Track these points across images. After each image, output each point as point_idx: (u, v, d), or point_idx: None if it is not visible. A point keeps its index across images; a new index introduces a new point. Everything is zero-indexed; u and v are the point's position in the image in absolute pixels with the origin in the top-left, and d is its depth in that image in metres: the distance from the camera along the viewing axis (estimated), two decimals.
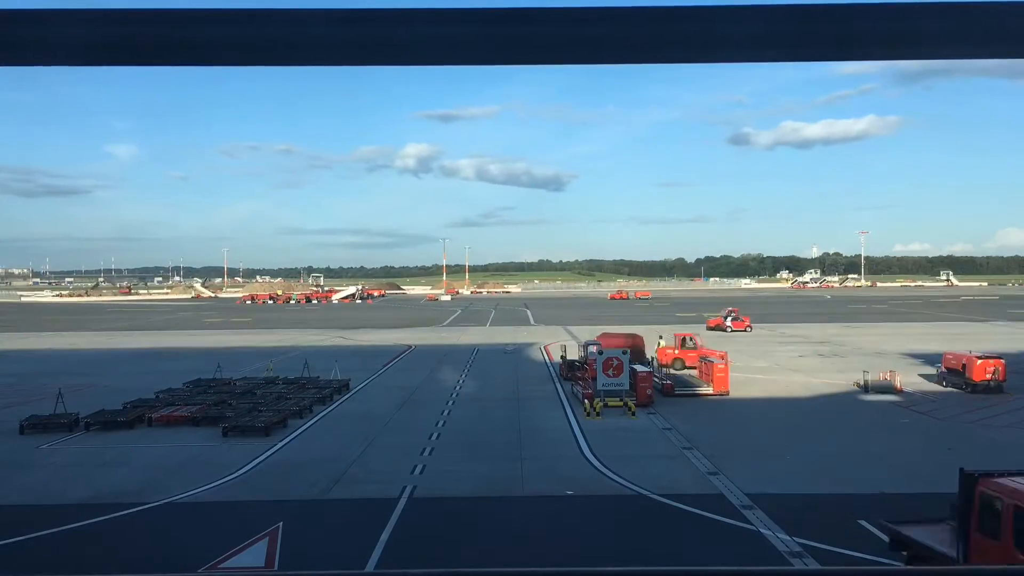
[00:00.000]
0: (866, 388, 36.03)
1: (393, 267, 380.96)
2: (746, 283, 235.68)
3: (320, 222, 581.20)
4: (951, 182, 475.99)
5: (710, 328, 69.81)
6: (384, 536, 17.52)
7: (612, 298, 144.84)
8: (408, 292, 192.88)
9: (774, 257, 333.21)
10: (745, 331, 67.54)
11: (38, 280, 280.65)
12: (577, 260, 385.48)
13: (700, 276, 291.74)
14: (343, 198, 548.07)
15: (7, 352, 58.71)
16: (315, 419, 31.36)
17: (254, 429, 28.05)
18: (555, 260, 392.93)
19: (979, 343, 47.20)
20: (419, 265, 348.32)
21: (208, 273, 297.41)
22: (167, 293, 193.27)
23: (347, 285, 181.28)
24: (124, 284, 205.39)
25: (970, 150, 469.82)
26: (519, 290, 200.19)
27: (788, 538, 17.07)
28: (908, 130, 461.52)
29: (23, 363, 52.02)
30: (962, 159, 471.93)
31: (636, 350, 39.19)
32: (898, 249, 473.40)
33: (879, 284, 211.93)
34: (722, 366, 36.24)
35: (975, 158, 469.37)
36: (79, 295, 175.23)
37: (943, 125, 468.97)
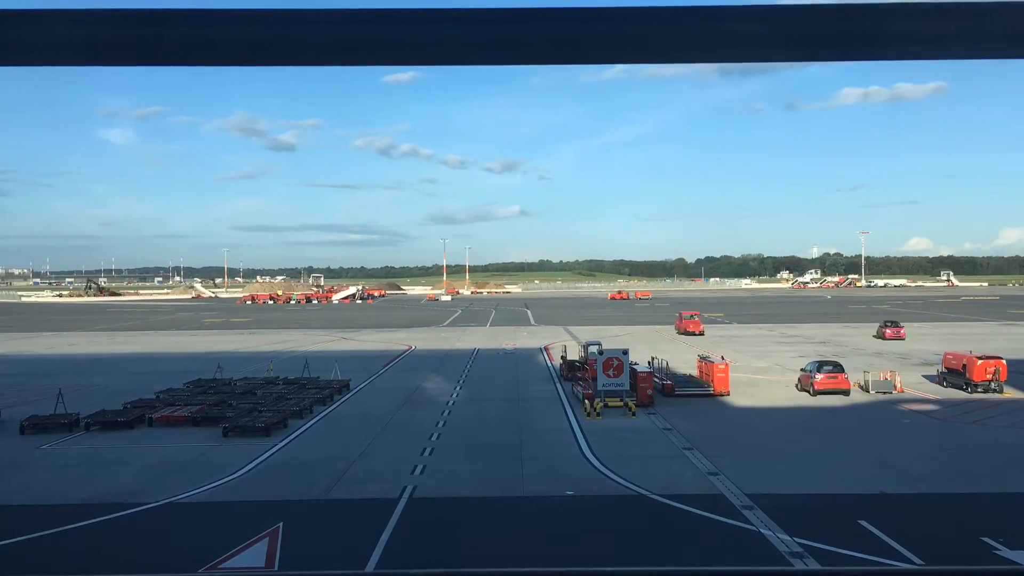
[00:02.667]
0: (866, 388, 36.01)
1: (393, 267, 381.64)
2: (746, 283, 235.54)
3: (300, 218, 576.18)
4: (955, 179, 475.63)
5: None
6: (384, 536, 17.50)
7: (612, 298, 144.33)
8: (408, 292, 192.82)
9: (774, 257, 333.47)
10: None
11: (38, 280, 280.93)
12: (577, 260, 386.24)
13: (700, 276, 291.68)
14: (325, 190, 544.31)
15: (7, 352, 58.72)
16: (315, 419, 31.35)
17: (254, 429, 28.05)
18: (555, 260, 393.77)
19: (980, 343, 47.19)
20: (419, 265, 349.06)
21: (208, 273, 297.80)
22: (167, 293, 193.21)
23: (347, 285, 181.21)
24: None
25: (972, 146, 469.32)
26: (519, 290, 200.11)
27: (788, 538, 17.06)
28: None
29: (23, 363, 52.03)
30: (965, 155, 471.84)
31: None
32: (903, 248, 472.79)
33: (877, 283, 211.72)
34: (722, 366, 36.21)
35: (978, 154, 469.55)
36: (78, 295, 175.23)
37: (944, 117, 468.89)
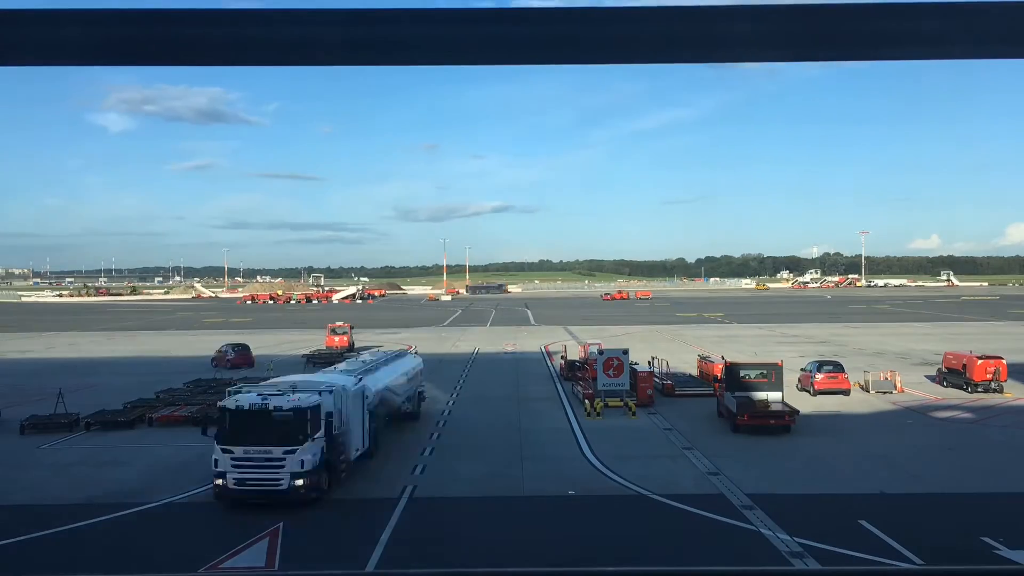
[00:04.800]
0: (867, 388, 36.00)
1: (393, 267, 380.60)
2: (746, 283, 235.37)
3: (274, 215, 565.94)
4: (957, 177, 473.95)
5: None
6: (384, 536, 17.51)
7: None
8: (408, 292, 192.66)
9: (774, 257, 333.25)
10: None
11: (38, 280, 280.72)
12: (577, 260, 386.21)
13: (700, 276, 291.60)
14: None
15: (7, 351, 58.67)
16: None
17: None
18: (555, 260, 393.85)
19: (980, 343, 47.15)
20: (419, 265, 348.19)
21: (209, 273, 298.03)
22: (166, 293, 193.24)
23: (347, 285, 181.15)
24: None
25: (975, 142, 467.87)
26: (520, 290, 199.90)
27: (788, 538, 17.06)
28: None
29: (23, 363, 52.01)
30: (967, 152, 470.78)
31: None
32: (909, 246, 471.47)
33: (877, 283, 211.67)
34: (722, 366, 36.12)
35: (979, 152, 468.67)
36: (79, 295, 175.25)
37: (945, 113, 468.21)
